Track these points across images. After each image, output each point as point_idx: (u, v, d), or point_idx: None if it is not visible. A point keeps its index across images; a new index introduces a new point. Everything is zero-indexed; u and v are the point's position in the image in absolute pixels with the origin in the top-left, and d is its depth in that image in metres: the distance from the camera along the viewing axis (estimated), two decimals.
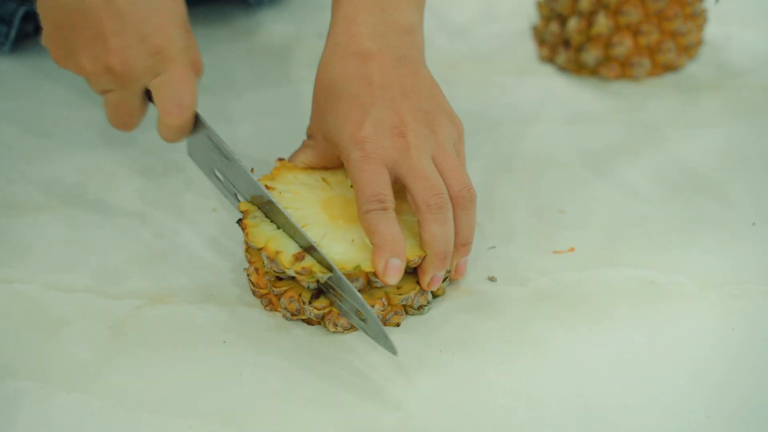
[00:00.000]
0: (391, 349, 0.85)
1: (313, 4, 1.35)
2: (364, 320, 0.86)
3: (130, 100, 0.93)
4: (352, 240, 0.89)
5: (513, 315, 0.92)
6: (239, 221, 0.90)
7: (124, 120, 0.95)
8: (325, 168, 0.97)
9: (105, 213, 1.03)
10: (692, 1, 1.22)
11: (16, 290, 0.94)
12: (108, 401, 0.83)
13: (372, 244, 0.88)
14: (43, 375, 0.86)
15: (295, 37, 1.31)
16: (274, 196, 0.92)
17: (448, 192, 0.90)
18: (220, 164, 0.94)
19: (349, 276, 0.87)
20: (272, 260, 0.87)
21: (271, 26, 1.32)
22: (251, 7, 1.34)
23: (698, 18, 1.23)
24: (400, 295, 0.89)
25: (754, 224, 1.02)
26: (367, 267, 0.87)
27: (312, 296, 0.88)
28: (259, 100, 1.20)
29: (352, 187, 0.94)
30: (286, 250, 0.87)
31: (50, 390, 0.84)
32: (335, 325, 0.89)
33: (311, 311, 0.88)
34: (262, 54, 1.28)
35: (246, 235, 0.89)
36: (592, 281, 0.95)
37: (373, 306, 0.89)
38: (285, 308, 0.89)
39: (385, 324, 0.90)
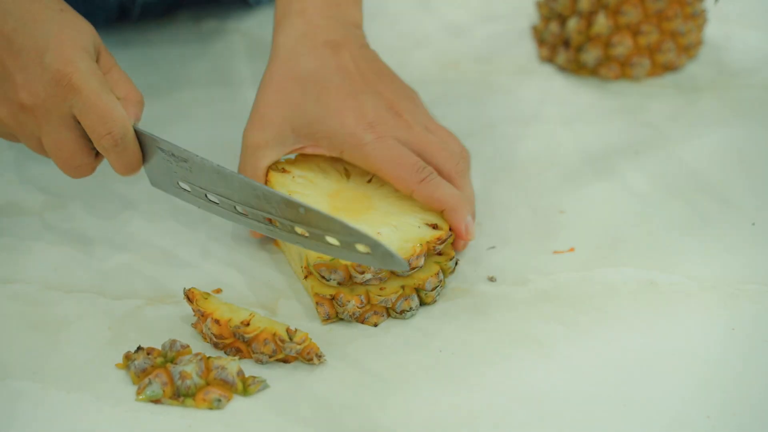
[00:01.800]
0: (400, 264, 0.83)
1: None
2: (364, 252, 0.84)
3: (63, 136, 0.90)
4: None
5: (513, 315, 0.92)
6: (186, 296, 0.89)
7: (72, 162, 0.91)
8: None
9: (105, 213, 1.02)
10: (692, 1, 1.22)
11: (16, 290, 0.94)
12: (108, 401, 0.83)
13: (439, 210, 0.91)
14: (42, 375, 0.85)
15: None
16: (287, 180, 0.92)
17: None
18: (182, 173, 0.91)
19: (328, 267, 0.87)
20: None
21: (271, 26, 1.32)
22: (251, 7, 1.34)
23: (698, 18, 1.23)
24: (380, 296, 0.89)
25: (754, 224, 1.02)
26: (346, 261, 0.87)
27: (287, 331, 0.86)
28: None
29: (369, 182, 0.94)
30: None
31: (50, 390, 0.84)
32: (318, 356, 0.86)
33: (292, 347, 0.86)
34: (262, 54, 1.28)
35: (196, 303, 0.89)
36: (592, 281, 0.95)
37: (349, 301, 0.88)
38: (260, 352, 0.86)
39: (363, 323, 0.90)
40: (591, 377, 0.86)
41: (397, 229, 0.91)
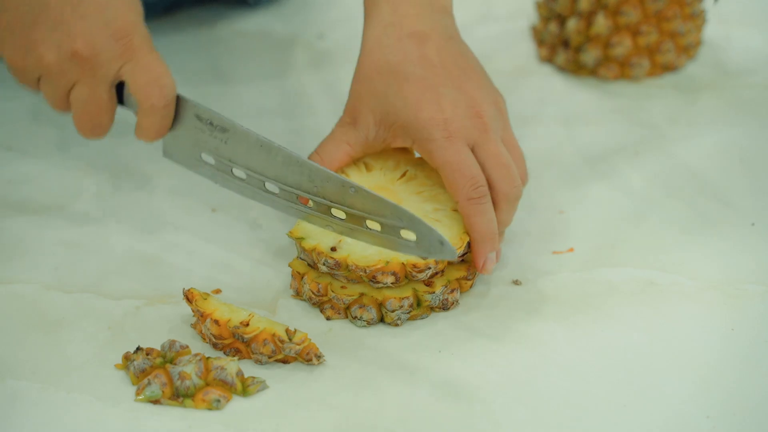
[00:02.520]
0: (451, 253, 0.84)
1: (313, 4, 1.35)
2: (406, 240, 0.85)
3: (98, 93, 0.91)
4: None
5: (513, 315, 0.92)
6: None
7: (95, 119, 0.92)
8: (365, 154, 0.96)
9: (104, 213, 1.02)
10: (691, 1, 1.22)
11: (16, 290, 0.94)
12: (107, 402, 0.83)
13: (469, 232, 0.90)
14: (42, 375, 0.85)
15: (295, 37, 1.31)
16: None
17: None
18: (213, 143, 0.90)
19: (383, 269, 0.87)
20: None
21: (271, 26, 1.32)
22: (251, 7, 1.34)
23: (697, 18, 1.23)
24: (333, 292, 0.89)
25: (753, 224, 1.02)
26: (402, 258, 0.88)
27: (286, 332, 0.86)
28: (258, 100, 1.20)
29: (401, 178, 0.94)
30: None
31: (49, 390, 0.84)
32: (318, 357, 0.86)
33: (292, 348, 0.86)
34: (262, 54, 1.28)
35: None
36: (592, 281, 0.95)
37: (306, 284, 0.89)
38: (259, 353, 0.86)
39: (321, 312, 0.90)
40: (591, 377, 0.86)
41: (435, 222, 0.91)
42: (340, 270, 0.88)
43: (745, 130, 1.15)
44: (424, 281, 0.90)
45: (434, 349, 0.88)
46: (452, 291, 0.91)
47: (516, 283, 0.95)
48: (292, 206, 0.89)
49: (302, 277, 0.90)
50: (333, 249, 0.88)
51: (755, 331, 0.90)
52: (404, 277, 0.89)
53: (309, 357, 0.86)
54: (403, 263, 0.88)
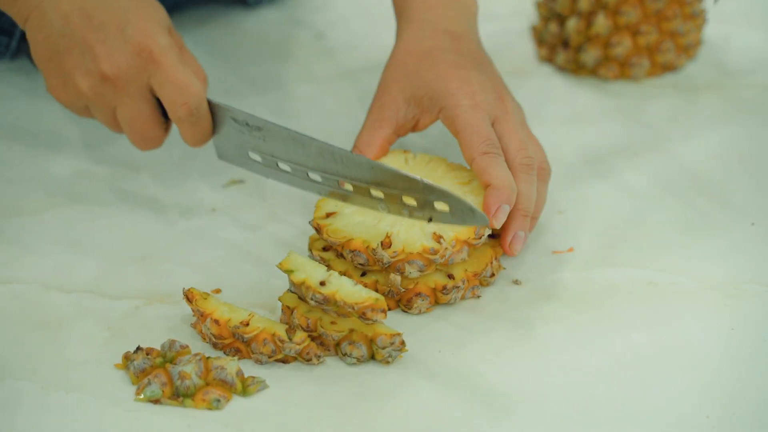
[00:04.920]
0: (482, 219, 0.87)
1: (312, 4, 1.35)
2: (441, 211, 0.88)
3: (139, 109, 0.94)
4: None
5: (513, 315, 0.92)
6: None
7: (145, 134, 0.96)
8: (398, 135, 0.99)
9: (104, 213, 1.02)
10: (691, 1, 1.22)
11: (16, 290, 0.94)
12: (107, 401, 0.83)
13: (485, 184, 0.91)
14: (42, 375, 0.85)
15: (294, 37, 1.31)
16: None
17: None
18: (254, 142, 0.94)
19: (373, 306, 0.85)
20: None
21: (270, 26, 1.32)
22: (250, 7, 1.34)
23: (697, 18, 1.23)
24: (323, 328, 0.86)
25: (753, 224, 1.02)
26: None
27: (287, 332, 0.86)
28: (258, 100, 1.20)
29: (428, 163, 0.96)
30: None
31: (49, 390, 0.84)
32: (317, 357, 0.86)
33: (291, 348, 0.85)
34: (261, 54, 1.28)
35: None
36: (592, 281, 0.95)
37: (296, 317, 0.87)
38: (259, 352, 0.86)
39: (304, 359, 0.87)
40: (591, 377, 0.86)
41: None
42: (329, 305, 0.86)
43: (745, 130, 1.15)
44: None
45: (434, 349, 0.88)
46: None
47: (516, 282, 0.95)
48: (337, 191, 0.91)
49: (292, 312, 0.88)
50: (322, 284, 0.86)
51: (755, 331, 0.90)
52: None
53: (309, 357, 0.86)
54: (397, 301, 0.90)
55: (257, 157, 0.94)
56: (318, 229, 0.92)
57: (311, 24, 1.32)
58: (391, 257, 0.89)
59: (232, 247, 0.99)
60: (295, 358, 0.86)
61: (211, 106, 0.95)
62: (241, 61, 1.26)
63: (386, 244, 0.89)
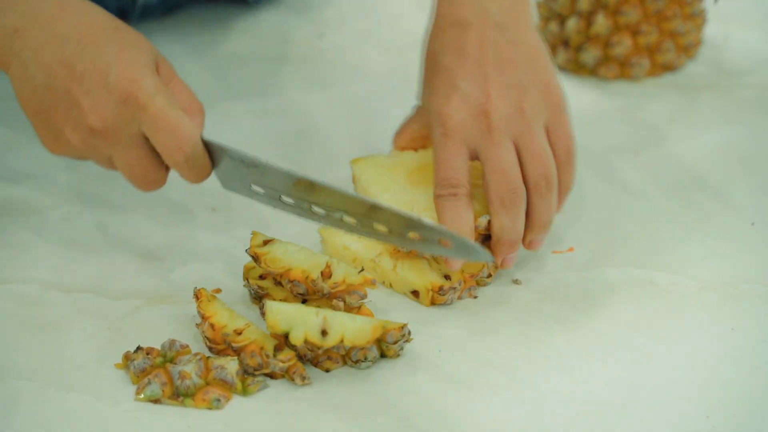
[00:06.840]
0: (486, 257, 0.86)
1: (312, 4, 1.35)
2: (448, 248, 0.86)
3: (134, 156, 0.90)
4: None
5: (513, 315, 0.92)
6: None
7: (145, 178, 0.91)
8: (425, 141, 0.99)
9: (104, 213, 1.02)
10: (691, 1, 1.22)
11: (16, 290, 0.94)
12: (107, 401, 0.83)
13: (494, 238, 0.91)
14: (41, 375, 0.85)
15: (295, 37, 1.31)
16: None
17: (525, 179, 0.91)
18: (254, 177, 0.90)
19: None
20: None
21: (271, 26, 1.32)
22: (251, 7, 1.34)
23: (697, 18, 1.23)
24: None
25: (753, 224, 1.02)
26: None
27: (275, 348, 0.85)
28: (259, 101, 1.20)
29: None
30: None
31: (49, 390, 0.84)
32: (302, 378, 0.84)
33: (276, 365, 0.84)
34: (262, 54, 1.28)
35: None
36: (592, 281, 0.95)
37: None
38: (246, 363, 0.85)
39: (315, 365, 0.86)
40: (590, 377, 0.86)
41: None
42: (339, 351, 0.86)
43: (744, 130, 1.15)
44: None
45: (434, 349, 0.88)
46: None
47: (516, 282, 0.95)
48: (342, 225, 0.88)
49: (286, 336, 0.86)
50: (324, 332, 0.84)
51: (755, 331, 0.90)
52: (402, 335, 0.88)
53: (293, 377, 0.85)
54: (401, 327, 0.86)
55: (260, 190, 0.91)
56: (255, 258, 0.90)
57: (311, 23, 1.32)
58: (332, 288, 0.87)
59: (232, 247, 0.98)
60: (282, 375, 0.85)
61: (207, 146, 0.90)
62: (241, 61, 1.26)
63: (326, 274, 0.87)
